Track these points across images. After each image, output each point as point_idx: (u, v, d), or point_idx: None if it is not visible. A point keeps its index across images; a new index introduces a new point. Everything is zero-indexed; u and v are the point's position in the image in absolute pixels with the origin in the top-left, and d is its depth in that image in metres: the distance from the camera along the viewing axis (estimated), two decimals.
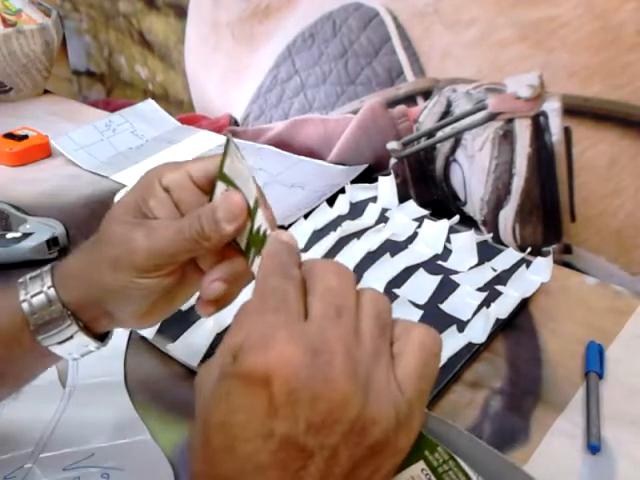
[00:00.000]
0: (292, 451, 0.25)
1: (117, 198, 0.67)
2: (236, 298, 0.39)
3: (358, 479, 0.26)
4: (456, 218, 0.68)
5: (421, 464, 0.29)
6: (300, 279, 0.30)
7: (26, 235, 0.63)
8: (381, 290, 0.59)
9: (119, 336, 0.55)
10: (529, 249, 0.64)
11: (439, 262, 0.64)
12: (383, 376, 0.27)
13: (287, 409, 0.25)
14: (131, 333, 0.55)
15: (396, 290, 0.59)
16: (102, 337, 0.41)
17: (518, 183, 0.69)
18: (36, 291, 0.38)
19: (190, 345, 0.52)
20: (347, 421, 0.25)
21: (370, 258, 0.63)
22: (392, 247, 0.65)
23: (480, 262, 0.63)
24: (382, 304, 0.30)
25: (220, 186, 0.36)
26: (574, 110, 0.63)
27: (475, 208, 0.74)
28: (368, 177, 0.79)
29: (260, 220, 0.35)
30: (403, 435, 0.27)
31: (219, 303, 0.38)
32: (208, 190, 0.38)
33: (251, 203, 0.35)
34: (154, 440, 0.45)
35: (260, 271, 0.32)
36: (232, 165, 0.35)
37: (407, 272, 0.62)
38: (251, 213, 0.35)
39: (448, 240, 0.66)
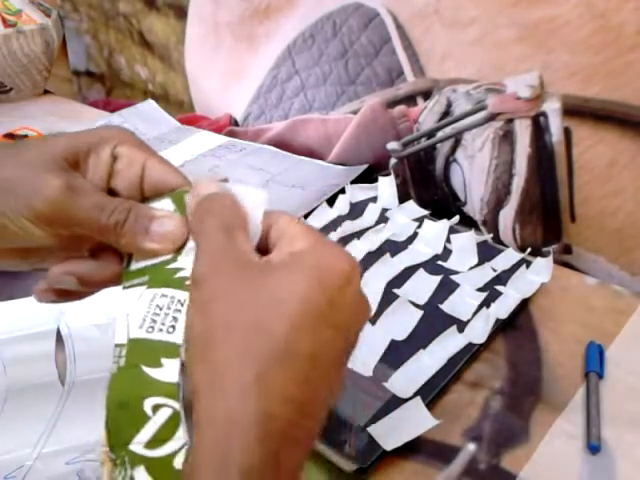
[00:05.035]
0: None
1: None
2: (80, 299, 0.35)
3: None
4: (456, 218, 0.68)
5: None
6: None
7: None
8: (381, 290, 0.59)
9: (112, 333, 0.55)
10: (529, 249, 0.64)
11: (439, 262, 0.64)
12: None
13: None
14: None
15: (396, 290, 0.59)
16: None
17: (518, 183, 0.69)
18: None
19: None
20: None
21: (370, 258, 0.63)
22: (392, 247, 0.65)
23: (480, 262, 0.63)
24: None
25: (166, 203, 0.34)
26: (574, 110, 0.63)
27: (475, 208, 0.74)
28: (368, 177, 0.79)
29: (183, 263, 0.32)
30: None
31: (61, 296, 0.35)
32: (146, 193, 0.35)
33: (188, 244, 0.32)
34: None
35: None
36: None
37: (407, 272, 0.62)
38: (179, 251, 0.33)
39: (448, 240, 0.66)
